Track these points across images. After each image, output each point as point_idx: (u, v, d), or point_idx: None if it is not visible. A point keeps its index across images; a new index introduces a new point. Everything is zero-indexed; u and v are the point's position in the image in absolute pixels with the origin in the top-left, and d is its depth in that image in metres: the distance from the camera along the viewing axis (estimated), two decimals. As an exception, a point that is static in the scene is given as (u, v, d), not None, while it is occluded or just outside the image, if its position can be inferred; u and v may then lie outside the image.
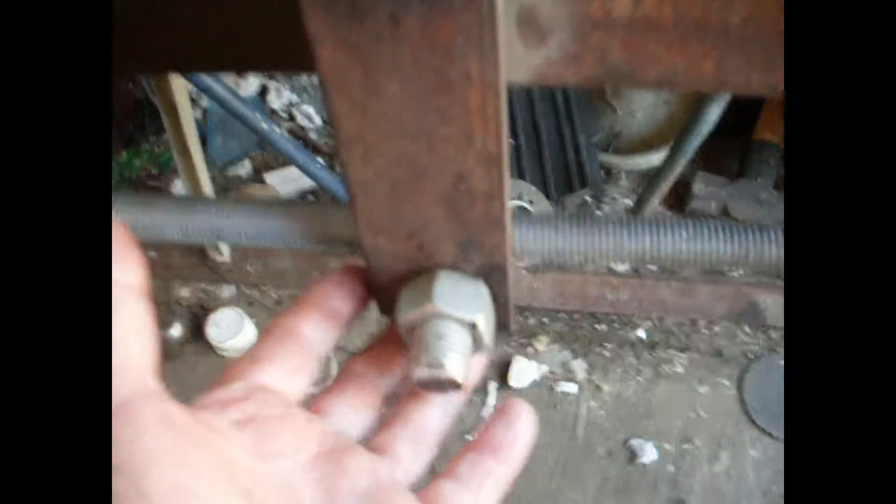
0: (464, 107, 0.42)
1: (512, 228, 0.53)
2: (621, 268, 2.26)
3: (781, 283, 2.22)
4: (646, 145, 2.40)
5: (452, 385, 0.53)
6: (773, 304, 2.19)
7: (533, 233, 0.55)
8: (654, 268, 2.29)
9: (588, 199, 2.37)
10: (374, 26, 0.39)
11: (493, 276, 0.55)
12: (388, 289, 0.57)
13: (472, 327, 0.53)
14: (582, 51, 0.41)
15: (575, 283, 2.16)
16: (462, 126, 0.43)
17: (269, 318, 2.29)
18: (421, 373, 0.52)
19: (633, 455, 2.02)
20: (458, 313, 0.52)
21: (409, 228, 0.52)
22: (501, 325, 0.59)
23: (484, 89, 0.41)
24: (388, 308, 0.58)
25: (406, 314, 0.53)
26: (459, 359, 0.52)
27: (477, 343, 0.55)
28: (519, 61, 0.43)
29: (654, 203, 2.13)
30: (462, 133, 0.44)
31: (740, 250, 0.55)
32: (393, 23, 0.39)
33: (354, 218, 0.52)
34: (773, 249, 0.54)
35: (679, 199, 2.35)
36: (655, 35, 0.40)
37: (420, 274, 0.55)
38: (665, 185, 2.08)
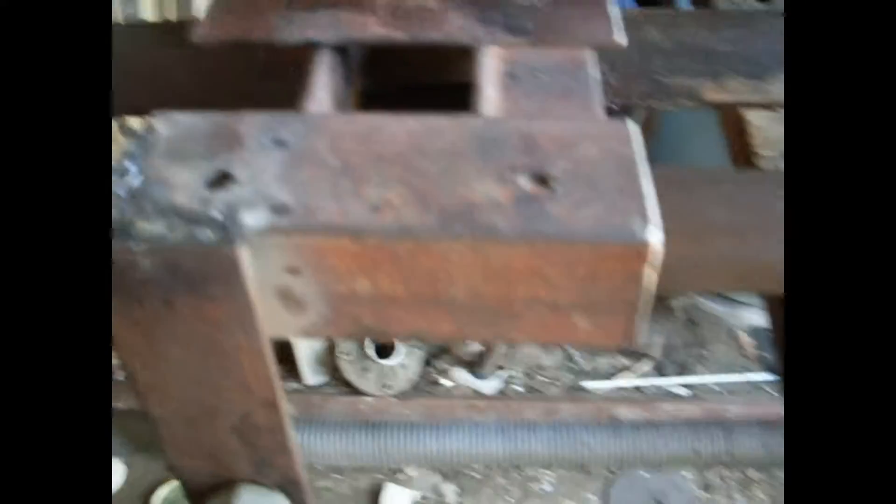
0: (238, 366, 0.48)
1: (298, 451, 0.58)
2: (487, 389, 2.34)
3: (639, 397, 2.34)
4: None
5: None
6: (631, 416, 2.30)
7: (323, 443, 0.60)
8: (521, 388, 2.38)
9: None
10: (152, 307, 0.45)
11: (291, 489, 0.60)
12: (196, 500, 0.62)
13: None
14: (338, 317, 0.48)
15: (443, 407, 2.22)
16: (239, 379, 0.49)
17: None
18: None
19: (505, 577, 2.05)
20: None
21: (208, 451, 0.57)
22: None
23: (252, 353, 0.48)
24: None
25: (208, 530, 0.58)
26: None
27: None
28: (287, 324, 0.49)
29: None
30: (240, 384, 0.50)
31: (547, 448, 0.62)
32: (167, 306, 0.45)
33: (160, 442, 0.57)
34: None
35: None
36: (396, 306, 0.47)
37: (225, 487, 0.60)
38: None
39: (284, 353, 2.33)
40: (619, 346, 0.49)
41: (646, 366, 2.42)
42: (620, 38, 0.60)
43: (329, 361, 2.32)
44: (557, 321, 0.47)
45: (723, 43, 0.82)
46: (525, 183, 0.44)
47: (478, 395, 2.33)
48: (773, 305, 0.75)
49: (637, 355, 2.42)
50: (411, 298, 0.47)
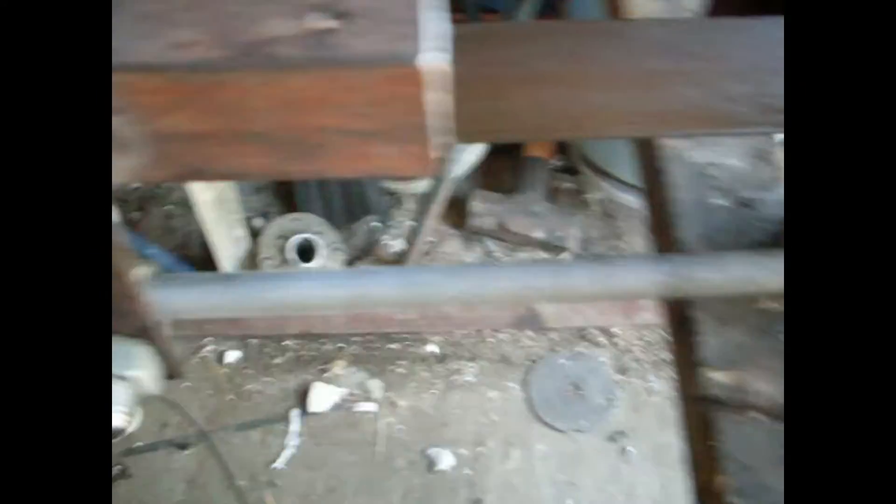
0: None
1: (149, 297, 0.62)
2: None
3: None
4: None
5: (118, 433, 0.62)
6: (550, 308, 2.39)
7: (173, 295, 0.64)
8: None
9: (375, 224, 2.50)
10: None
11: (148, 336, 0.64)
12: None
13: (129, 380, 0.62)
14: (162, 157, 0.51)
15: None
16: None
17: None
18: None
19: (431, 463, 2.15)
20: (113, 371, 0.61)
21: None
22: (171, 375, 0.69)
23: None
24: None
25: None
26: (120, 410, 0.61)
27: (141, 391, 0.64)
28: (118, 167, 0.52)
29: (430, 225, 2.29)
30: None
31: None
32: None
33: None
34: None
35: (462, 217, 2.51)
36: (212, 143, 0.51)
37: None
38: (437, 208, 2.24)
39: (206, 261, 2.35)
40: (422, 174, 0.53)
41: (564, 257, 2.49)
42: None
43: (252, 266, 2.36)
44: (360, 150, 0.51)
45: None
46: (319, 18, 0.47)
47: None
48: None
49: (556, 249, 2.49)
50: (224, 134, 0.50)
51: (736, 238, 0.94)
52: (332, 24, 0.48)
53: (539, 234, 2.45)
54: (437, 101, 0.49)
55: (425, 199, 2.38)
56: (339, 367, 2.29)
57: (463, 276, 0.68)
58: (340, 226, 2.45)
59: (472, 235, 2.52)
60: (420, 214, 2.31)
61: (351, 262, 2.44)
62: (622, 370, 2.31)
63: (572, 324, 2.37)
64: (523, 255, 2.50)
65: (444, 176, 2.12)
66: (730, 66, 0.70)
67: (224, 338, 2.39)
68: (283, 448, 2.19)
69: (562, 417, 2.24)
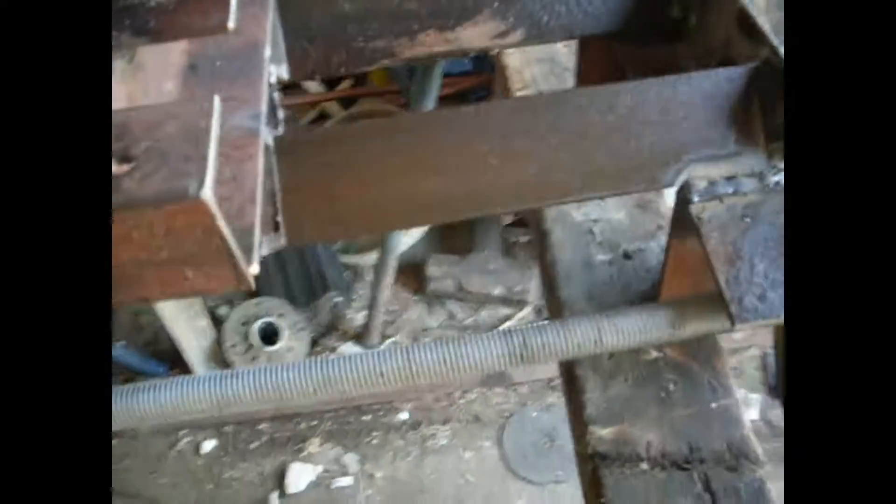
0: None
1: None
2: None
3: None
4: (378, 242, 2.61)
5: None
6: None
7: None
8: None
9: (338, 300, 2.54)
10: None
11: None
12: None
13: None
14: None
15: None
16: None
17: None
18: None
19: (411, 532, 2.16)
20: None
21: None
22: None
23: None
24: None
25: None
26: None
27: None
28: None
29: (383, 297, 2.32)
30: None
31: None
32: None
33: None
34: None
35: (422, 282, 2.55)
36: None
37: None
38: (387, 281, 2.28)
39: (175, 354, 2.38)
40: (240, 289, 0.58)
41: (526, 311, 2.53)
42: (232, 23, 0.68)
43: (218, 355, 2.39)
44: (175, 276, 0.55)
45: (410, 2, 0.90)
46: (114, 165, 0.52)
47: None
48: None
49: (517, 304, 2.53)
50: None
51: (620, 291, 0.99)
52: (123, 168, 0.52)
53: (498, 291, 2.49)
54: (227, 227, 0.53)
55: (377, 272, 2.42)
56: (313, 446, 2.31)
57: (313, 370, 0.72)
58: (303, 305, 2.49)
59: (433, 299, 2.56)
60: (374, 287, 2.35)
61: (316, 340, 2.47)
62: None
63: (540, 376, 2.39)
64: (485, 313, 2.53)
65: (390, 249, 2.17)
66: (553, 140, 0.75)
67: (199, 428, 2.41)
68: (265, 533, 2.19)
69: (538, 470, 2.25)
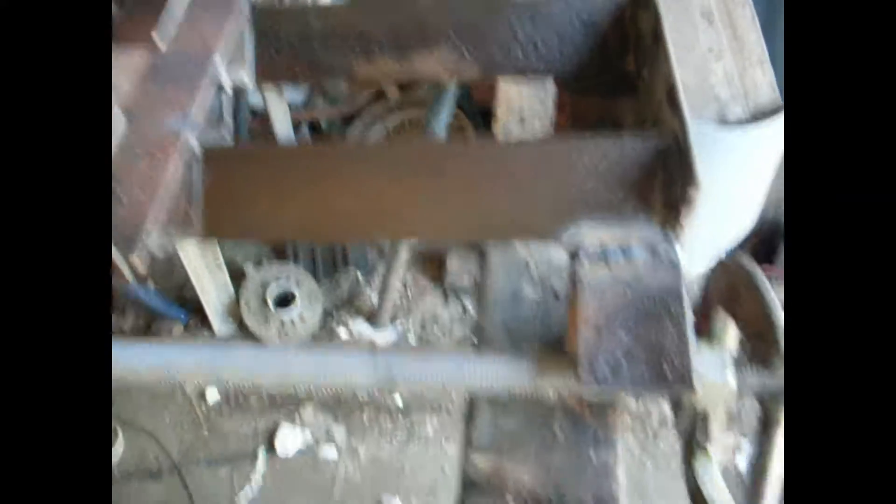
0: None
1: None
2: (382, 340, 2.49)
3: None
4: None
5: None
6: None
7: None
8: (414, 339, 2.53)
9: (359, 277, 2.61)
10: None
11: None
12: None
13: None
14: None
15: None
16: None
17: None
18: None
19: (383, 512, 2.22)
20: None
21: None
22: None
23: None
24: None
25: None
26: None
27: None
28: None
29: (395, 284, 2.38)
30: None
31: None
32: None
33: None
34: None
35: (442, 272, 2.59)
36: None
37: None
38: (399, 269, 2.33)
39: (195, 304, 2.49)
40: (131, 277, 0.63)
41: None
42: (158, 39, 0.73)
43: (236, 312, 2.48)
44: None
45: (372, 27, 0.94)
46: None
47: (374, 342, 2.48)
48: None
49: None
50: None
51: (539, 330, 1.01)
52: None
53: (513, 295, 2.51)
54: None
55: (389, 258, 2.47)
56: (307, 411, 2.39)
57: (202, 352, 0.78)
58: (323, 277, 2.57)
59: (450, 292, 2.60)
60: (385, 271, 2.40)
61: (330, 312, 2.55)
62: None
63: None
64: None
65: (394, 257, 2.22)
66: (454, 184, 0.78)
67: (207, 376, 2.51)
68: (247, 485, 2.29)
69: (517, 476, 2.28)
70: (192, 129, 0.79)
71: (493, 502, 0.87)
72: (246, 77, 0.94)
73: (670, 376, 0.70)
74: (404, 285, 2.60)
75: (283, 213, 0.78)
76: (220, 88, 0.89)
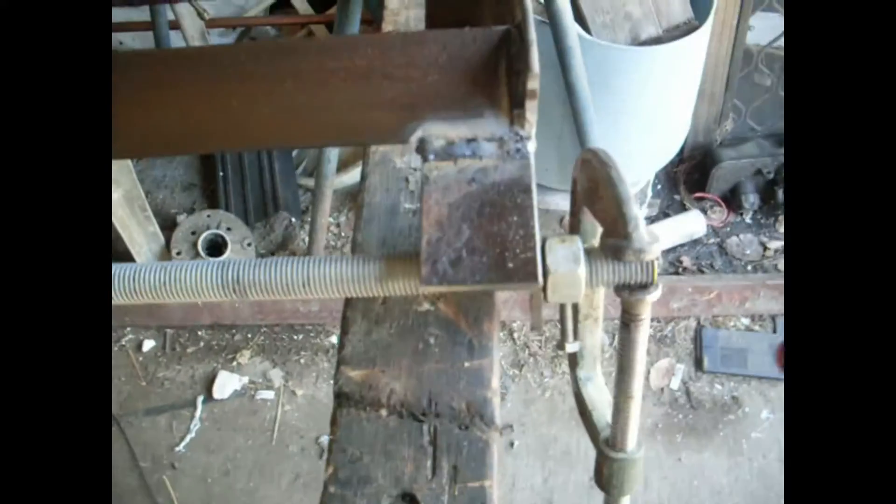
0: None
1: None
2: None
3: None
4: (343, 166, 2.62)
5: None
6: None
7: None
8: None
9: (292, 220, 2.58)
10: None
11: None
12: None
13: None
14: None
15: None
16: None
17: None
18: None
19: (322, 451, 2.22)
20: None
21: None
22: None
23: None
24: None
25: None
26: None
27: None
28: None
29: (323, 219, 2.35)
30: None
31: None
32: None
33: None
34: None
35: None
36: None
37: None
38: (322, 204, 2.30)
39: (127, 257, 2.45)
40: None
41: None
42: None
43: (167, 260, 2.45)
44: None
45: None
46: None
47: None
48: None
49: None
50: None
51: (414, 241, 1.00)
52: None
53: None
54: None
55: (348, 195, 2.45)
56: (244, 357, 2.38)
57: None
58: (255, 221, 2.54)
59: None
60: (339, 210, 2.38)
61: (263, 256, 2.52)
62: (517, 365, 2.36)
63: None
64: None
65: (325, 174, 2.19)
66: (292, 85, 0.76)
67: (143, 328, 2.49)
68: (186, 433, 2.28)
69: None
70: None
71: (366, 412, 0.86)
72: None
73: (512, 268, 0.69)
74: (337, 226, 2.58)
75: (136, 124, 0.75)
76: None
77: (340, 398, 0.88)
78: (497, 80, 0.75)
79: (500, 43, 0.75)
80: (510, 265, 0.70)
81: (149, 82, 0.76)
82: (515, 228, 0.71)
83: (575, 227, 0.87)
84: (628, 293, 0.76)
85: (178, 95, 0.76)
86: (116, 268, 0.77)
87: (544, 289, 0.72)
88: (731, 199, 2.62)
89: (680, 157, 2.65)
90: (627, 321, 0.79)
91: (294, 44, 0.83)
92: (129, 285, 0.76)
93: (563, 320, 0.87)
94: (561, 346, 0.88)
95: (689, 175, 2.70)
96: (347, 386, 0.88)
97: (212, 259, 0.77)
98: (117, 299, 0.78)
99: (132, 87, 0.76)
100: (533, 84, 0.71)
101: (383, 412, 0.87)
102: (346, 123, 0.76)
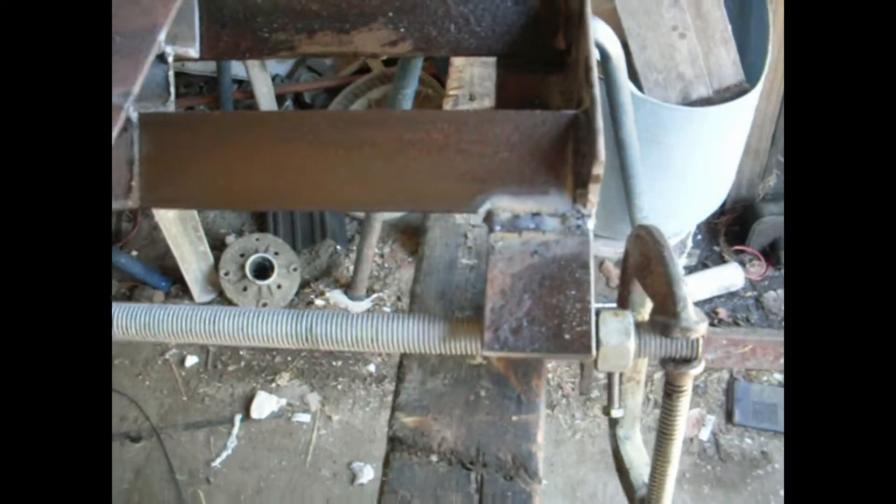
0: None
1: None
2: (357, 309, 2.53)
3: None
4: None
5: None
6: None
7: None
8: (388, 309, 2.57)
9: (337, 248, 2.65)
10: None
11: None
12: None
13: None
14: None
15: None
16: None
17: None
18: None
19: (354, 476, 2.28)
20: None
21: None
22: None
23: None
24: None
25: None
26: None
27: None
28: None
29: (369, 252, 2.42)
30: None
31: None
32: None
33: None
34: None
35: (417, 245, 2.64)
36: None
37: None
38: (370, 238, 2.37)
39: (177, 274, 2.54)
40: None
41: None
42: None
43: (215, 281, 2.53)
44: None
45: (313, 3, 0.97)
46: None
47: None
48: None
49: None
50: None
51: (471, 296, 1.05)
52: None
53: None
54: None
55: (395, 227, 2.51)
56: (283, 379, 2.44)
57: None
58: (302, 248, 2.61)
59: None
60: (386, 241, 2.45)
61: (308, 282, 2.59)
62: (550, 405, 2.39)
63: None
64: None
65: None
66: (369, 153, 0.82)
67: (187, 343, 2.57)
68: (223, 449, 2.35)
69: (487, 445, 2.33)
70: (135, 102, 0.82)
71: (418, 457, 0.92)
72: (192, 51, 0.97)
73: (568, 339, 0.74)
74: (381, 256, 2.65)
75: (208, 180, 0.82)
76: (164, 62, 0.92)
77: (394, 442, 0.94)
78: (563, 160, 0.81)
79: (568, 126, 0.80)
80: (567, 336, 0.75)
81: (235, 142, 0.83)
82: (573, 302, 0.76)
83: (624, 297, 0.92)
84: (673, 366, 0.80)
85: (262, 156, 0.82)
86: (198, 310, 0.84)
87: (595, 359, 0.77)
88: (771, 254, 2.64)
89: (721, 210, 2.68)
90: (670, 391, 0.83)
91: (371, 115, 0.89)
92: (209, 327, 0.82)
93: (609, 387, 0.91)
94: (606, 411, 0.93)
95: (730, 227, 2.73)
96: (401, 431, 0.94)
97: (284, 310, 0.83)
98: (198, 341, 0.84)
99: (220, 147, 0.83)
100: (597, 170, 0.77)
101: (434, 458, 0.93)
102: (418, 191, 0.82)
